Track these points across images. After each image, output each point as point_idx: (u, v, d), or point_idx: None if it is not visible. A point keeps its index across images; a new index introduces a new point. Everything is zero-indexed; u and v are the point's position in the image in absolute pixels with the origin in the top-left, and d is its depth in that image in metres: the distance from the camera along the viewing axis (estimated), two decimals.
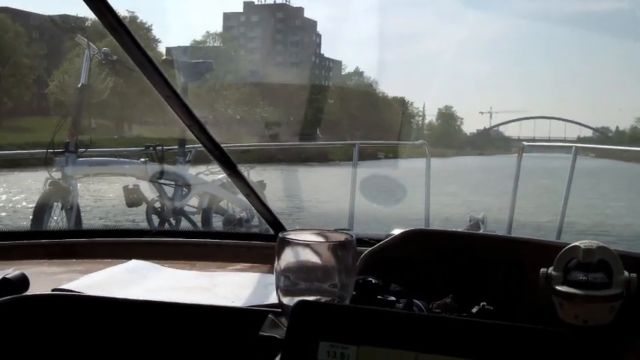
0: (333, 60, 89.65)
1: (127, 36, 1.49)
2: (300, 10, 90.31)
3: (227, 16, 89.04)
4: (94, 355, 1.40)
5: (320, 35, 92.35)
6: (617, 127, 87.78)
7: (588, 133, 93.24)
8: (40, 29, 54.84)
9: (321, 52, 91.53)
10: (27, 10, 52.47)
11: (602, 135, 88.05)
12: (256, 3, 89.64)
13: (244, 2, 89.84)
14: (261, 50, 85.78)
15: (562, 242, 1.26)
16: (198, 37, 74.97)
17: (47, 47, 50.65)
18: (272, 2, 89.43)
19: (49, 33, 51.12)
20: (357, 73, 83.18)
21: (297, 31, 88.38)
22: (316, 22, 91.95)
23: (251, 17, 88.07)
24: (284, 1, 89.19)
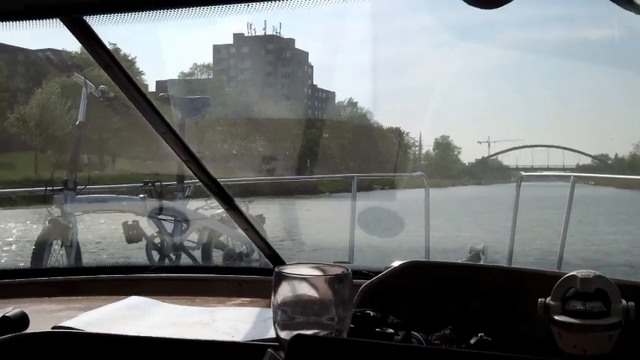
0: (326, 91, 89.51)
1: (122, 73, 1.51)
2: (291, 41, 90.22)
3: (217, 49, 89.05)
4: None
5: (312, 66, 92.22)
6: (617, 154, 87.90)
7: (587, 160, 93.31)
8: (26, 64, 54.82)
9: (314, 83, 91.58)
10: (14, 44, 52.44)
11: (602, 162, 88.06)
12: (246, 35, 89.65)
13: (234, 34, 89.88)
14: (252, 82, 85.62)
15: (560, 272, 1.26)
16: (186, 70, 74.89)
17: (32, 82, 50.15)
18: (262, 34, 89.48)
19: (35, 68, 50.93)
20: (351, 104, 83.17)
21: (289, 62, 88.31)
22: (308, 53, 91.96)
23: (242, 49, 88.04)
24: (275, 33, 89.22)
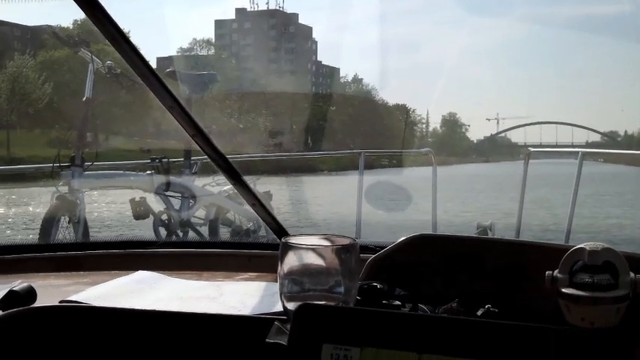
0: (330, 67, 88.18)
1: (129, 47, 1.50)
2: (295, 16, 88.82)
3: (219, 24, 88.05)
4: None
5: (316, 42, 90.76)
6: (626, 131, 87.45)
7: (596, 137, 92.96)
8: (23, 40, 54.27)
9: (318, 59, 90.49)
10: (10, 20, 51.86)
11: (611, 139, 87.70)
12: (249, 9, 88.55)
13: (236, 9, 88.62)
14: (254, 58, 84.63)
15: (568, 245, 1.25)
16: (187, 46, 73.89)
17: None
18: (265, 9, 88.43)
19: (32, 44, 50.11)
20: (356, 80, 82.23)
21: (292, 37, 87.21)
22: (312, 28, 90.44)
23: (244, 24, 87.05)
24: (278, 7, 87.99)
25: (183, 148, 5.50)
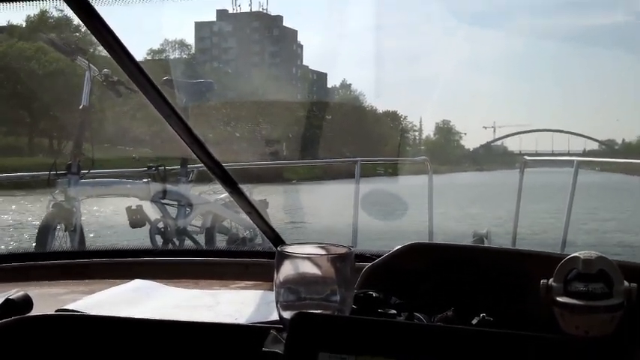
0: (317, 72, 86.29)
1: (126, 57, 1.51)
2: (279, 18, 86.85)
3: (199, 26, 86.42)
4: None
5: (302, 46, 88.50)
6: (624, 139, 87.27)
7: (594, 146, 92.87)
8: None
9: (304, 63, 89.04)
10: None
11: (608, 147, 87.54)
12: (231, 11, 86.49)
13: (217, 10, 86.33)
14: (236, 62, 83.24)
15: (563, 254, 1.26)
16: (156, 46, 72.21)
17: None
18: (248, 10, 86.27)
19: None
20: (344, 86, 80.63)
21: (276, 41, 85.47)
22: (297, 31, 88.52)
23: (225, 27, 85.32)
24: (261, 9, 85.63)
25: (180, 156, 5.50)
